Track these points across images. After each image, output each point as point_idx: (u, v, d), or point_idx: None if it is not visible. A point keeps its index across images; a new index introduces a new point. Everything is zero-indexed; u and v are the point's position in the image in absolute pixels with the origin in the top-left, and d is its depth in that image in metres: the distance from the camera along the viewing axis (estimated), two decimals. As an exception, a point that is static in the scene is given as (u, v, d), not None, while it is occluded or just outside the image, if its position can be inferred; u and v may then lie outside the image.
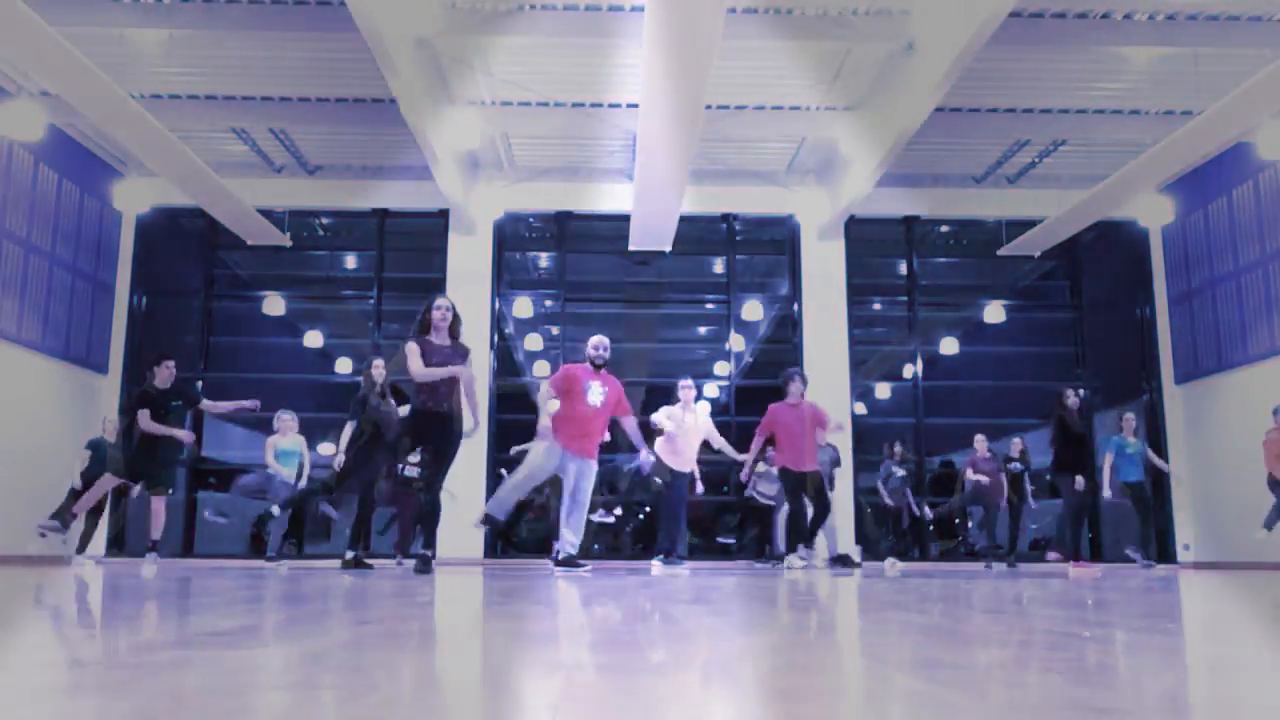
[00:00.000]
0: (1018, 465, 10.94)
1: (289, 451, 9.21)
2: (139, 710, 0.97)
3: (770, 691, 1.17)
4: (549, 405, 7.08)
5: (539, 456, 6.96)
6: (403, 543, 9.46)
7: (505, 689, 1.19)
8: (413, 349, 6.37)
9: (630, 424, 7.28)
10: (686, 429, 8.81)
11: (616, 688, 1.21)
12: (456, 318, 6.59)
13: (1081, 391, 12.54)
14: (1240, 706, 1.10)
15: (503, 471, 13.57)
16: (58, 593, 3.79)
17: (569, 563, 6.85)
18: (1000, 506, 10.93)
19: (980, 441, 11.04)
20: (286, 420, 9.35)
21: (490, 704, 1.08)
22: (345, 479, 8.27)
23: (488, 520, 7.08)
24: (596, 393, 7.03)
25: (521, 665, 1.45)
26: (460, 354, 6.52)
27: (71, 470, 9.86)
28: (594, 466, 7.06)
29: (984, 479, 10.76)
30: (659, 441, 8.80)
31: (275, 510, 8.88)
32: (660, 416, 8.92)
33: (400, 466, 9.02)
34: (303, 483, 9.14)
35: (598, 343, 7.27)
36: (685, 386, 8.94)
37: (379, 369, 8.46)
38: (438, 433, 6.41)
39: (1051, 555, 11.05)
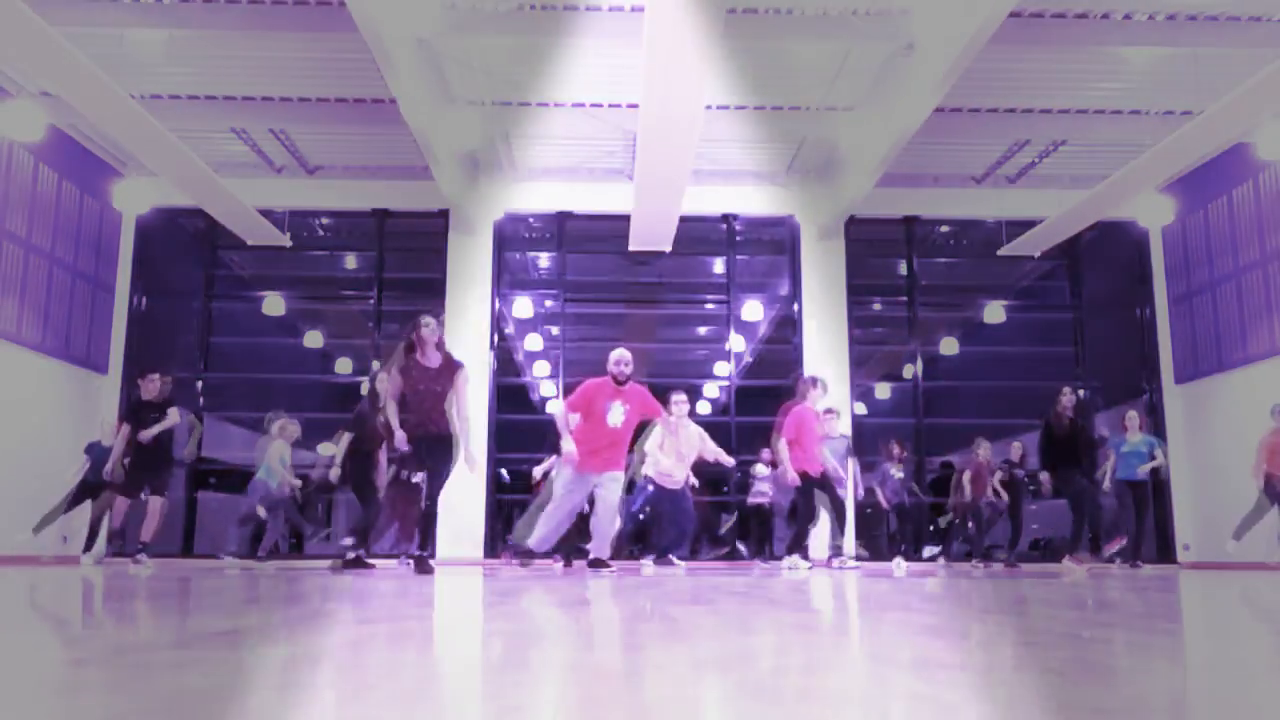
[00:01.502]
0: (1019, 471, 10.92)
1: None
2: (139, 710, 0.97)
3: (770, 692, 1.17)
4: (570, 425, 7.01)
5: (563, 487, 6.95)
6: (403, 543, 9.48)
7: (505, 689, 1.19)
8: (394, 383, 6.42)
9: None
10: (677, 451, 8.52)
11: (616, 687, 1.21)
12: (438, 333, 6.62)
13: (1082, 391, 12.50)
14: (1240, 707, 1.10)
15: (503, 471, 13.59)
16: (57, 592, 3.79)
17: (599, 564, 6.95)
18: (990, 506, 10.95)
19: (985, 448, 10.97)
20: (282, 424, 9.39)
21: (490, 704, 1.08)
22: (340, 484, 8.34)
23: (523, 553, 7.04)
24: (618, 413, 6.96)
25: (521, 665, 1.45)
26: (450, 369, 6.51)
27: (67, 476, 9.81)
28: (619, 476, 7.09)
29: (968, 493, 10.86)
30: (650, 466, 8.68)
31: (261, 513, 9.00)
32: (651, 447, 8.63)
33: (406, 474, 9.05)
34: (287, 485, 9.19)
35: (620, 358, 7.07)
36: (678, 401, 8.55)
37: (383, 383, 8.51)
38: (430, 453, 6.42)
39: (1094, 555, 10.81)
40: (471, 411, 6.94)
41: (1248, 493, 10.14)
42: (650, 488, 8.68)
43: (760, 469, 11.78)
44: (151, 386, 8.42)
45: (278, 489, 9.19)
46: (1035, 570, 9.25)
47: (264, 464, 9.28)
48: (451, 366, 6.52)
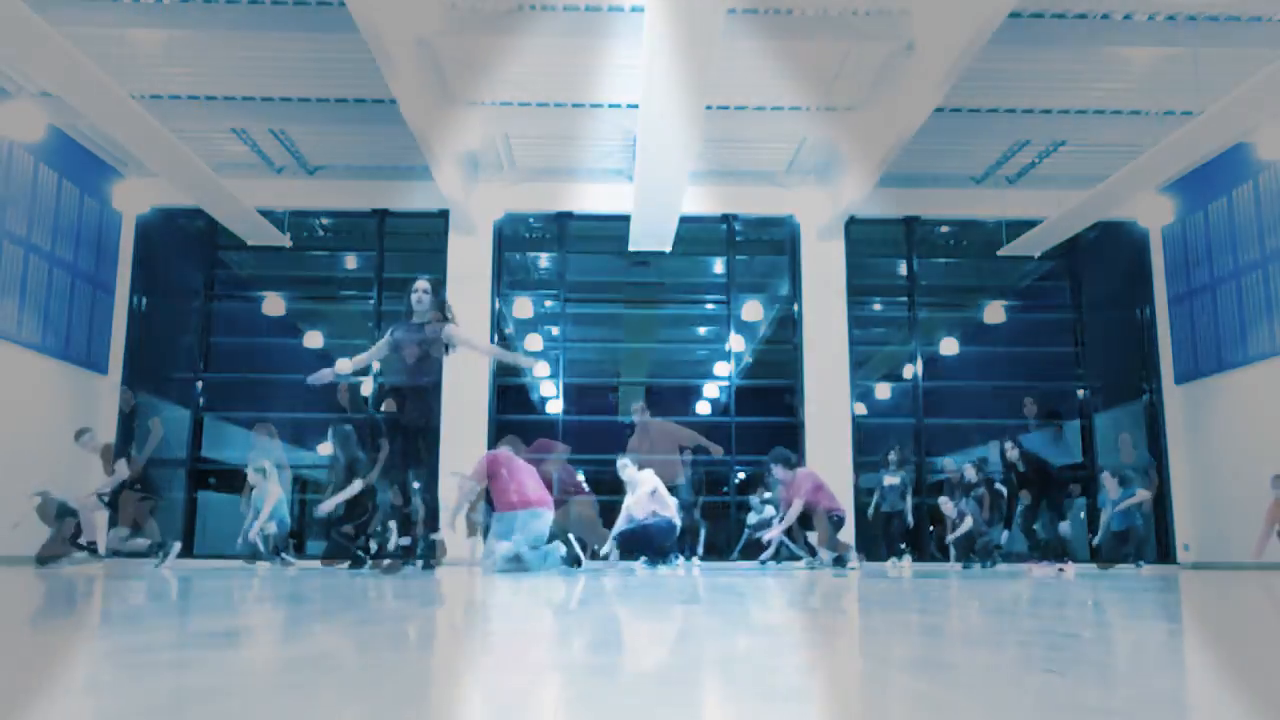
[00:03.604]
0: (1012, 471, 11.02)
1: (276, 467, 9.12)
2: (139, 710, 0.97)
3: (770, 691, 1.17)
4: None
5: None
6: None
7: (505, 689, 1.19)
8: (377, 346, 6.53)
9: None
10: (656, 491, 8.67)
11: (616, 688, 1.21)
12: (440, 301, 6.64)
13: (1082, 391, 12.48)
14: (1240, 707, 1.10)
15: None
16: (57, 593, 3.79)
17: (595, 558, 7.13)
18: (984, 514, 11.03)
19: (949, 467, 11.28)
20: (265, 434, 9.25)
21: (490, 704, 1.08)
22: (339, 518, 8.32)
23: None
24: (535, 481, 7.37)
25: (521, 665, 1.45)
26: (435, 324, 6.51)
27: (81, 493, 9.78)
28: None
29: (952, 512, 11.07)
30: (643, 500, 8.64)
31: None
32: (631, 504, 8.65)
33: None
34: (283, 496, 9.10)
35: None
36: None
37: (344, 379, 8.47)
38: (405, 402, 6.40)
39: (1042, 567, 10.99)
40: (481, 342, 6.98)
41: (1247, 494, 10.15)
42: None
43: (755, 502, 11.91)
44: (120, 400, 8.50)
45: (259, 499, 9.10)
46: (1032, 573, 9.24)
47: (283, 469, 9.14)
48: (437, 323, 6.49)
